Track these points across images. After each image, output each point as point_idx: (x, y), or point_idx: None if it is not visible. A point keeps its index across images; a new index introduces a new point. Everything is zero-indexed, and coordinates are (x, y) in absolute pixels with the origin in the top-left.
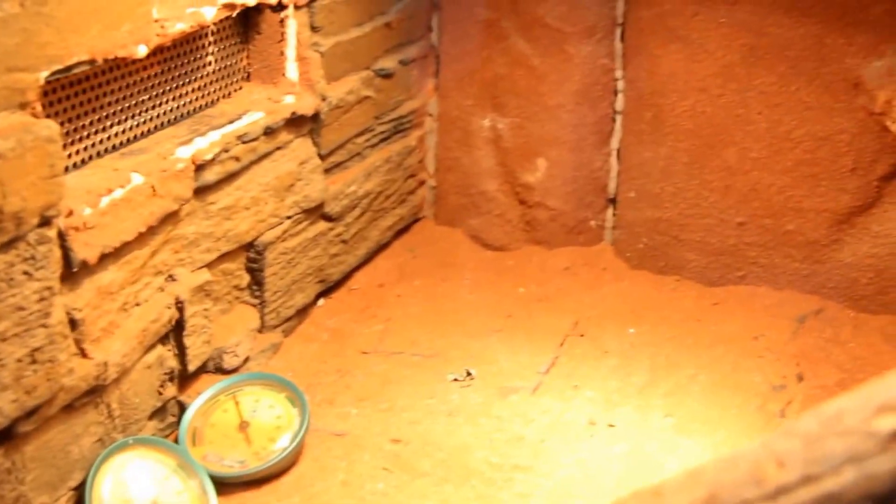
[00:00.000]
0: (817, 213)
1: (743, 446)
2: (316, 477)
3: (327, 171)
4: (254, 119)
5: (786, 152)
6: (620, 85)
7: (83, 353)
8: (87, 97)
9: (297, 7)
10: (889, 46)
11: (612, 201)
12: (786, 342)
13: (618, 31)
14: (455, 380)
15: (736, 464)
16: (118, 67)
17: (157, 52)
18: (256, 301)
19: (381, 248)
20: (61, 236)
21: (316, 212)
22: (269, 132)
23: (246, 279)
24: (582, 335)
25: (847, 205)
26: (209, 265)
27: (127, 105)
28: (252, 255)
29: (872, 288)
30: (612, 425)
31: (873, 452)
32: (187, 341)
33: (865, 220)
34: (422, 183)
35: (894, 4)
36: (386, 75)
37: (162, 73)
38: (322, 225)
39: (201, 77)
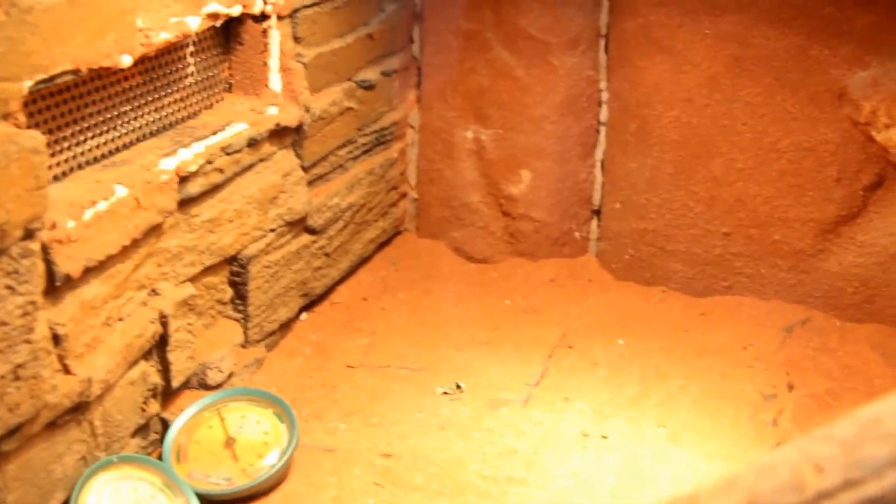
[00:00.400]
0: (803, 223)
1: (777, 452)
2: (306, 493)
3: (310, 183)
4: (238, 130)
5: (771, 163)
6: (605, 96)
7: (66, 370)
8: (69, 107)
9: (279, 17)
10: (874, 57)
11: (597, 212)
12: (774, 352)
13: (602, 43)
14: (444, 393)
15: (773, 470)
16: (100, 77)
17: (139, 62)
18: (240, 315)
19: (364, 261)
20: (45, 250)
21: (299, 224)
22: (253, 144)
23: (229, 293)
24: (570, 347)
25: (833, 214)
26: (192, 279)
27: (109, 116)
28: (235, 268)
29: (859, 297)
30: (604, 436)
31: None
32: (171, 356)
33: (851, 230)
34: (404, 195)
35: (878, 16)
36: (368, 87)
37: (144, 83)
38: (305, 238)
39: (183, 88)
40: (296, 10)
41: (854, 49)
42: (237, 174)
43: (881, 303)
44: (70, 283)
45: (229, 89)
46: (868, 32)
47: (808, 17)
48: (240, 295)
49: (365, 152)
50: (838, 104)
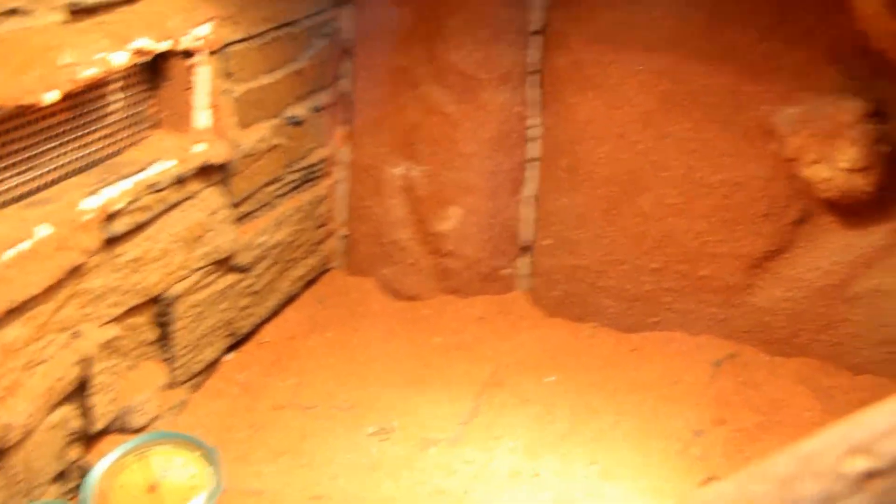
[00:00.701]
0: (732, 259)
1: (715, 489)
2: None
3: (238, 220)
4: (164, 168)
5: (701, 198)
6: (536, 132)
7: None
8: None
9: (208, 53)
10: (801, 94)
11: (528, 249)
12: (704, 387)
13: (534, 79)
14: (374, 433)
15: None
16: (24, 114)
17: (64, 98)
18: (164, 356)
19: (292, 299)
20: None
21: (226, 263)
22: (180, 181)
23: (154, 334)
24: (501, 384)
25: (761, 250)
26: (116, 320)
27: (33, 153)
28: (160, 308)
29: (786, 331)
30: (536, 474)
31: (846, 494)
32: (93, 400)
33: (778, 265)
34: (332, 233)
35: (806, 54)
36: (297, 123)
37: (69, 120)
38: (232, 276)
39: (109, 124)
40: (225, 46)
41: (782, 86)
42: (163, 212)
43: (808, 337)
44: None
45: (156, 126)
46: (796, 70)
47: (738, 55)
48: (164, 336)
49: (293, 189)
50: (767, 140)
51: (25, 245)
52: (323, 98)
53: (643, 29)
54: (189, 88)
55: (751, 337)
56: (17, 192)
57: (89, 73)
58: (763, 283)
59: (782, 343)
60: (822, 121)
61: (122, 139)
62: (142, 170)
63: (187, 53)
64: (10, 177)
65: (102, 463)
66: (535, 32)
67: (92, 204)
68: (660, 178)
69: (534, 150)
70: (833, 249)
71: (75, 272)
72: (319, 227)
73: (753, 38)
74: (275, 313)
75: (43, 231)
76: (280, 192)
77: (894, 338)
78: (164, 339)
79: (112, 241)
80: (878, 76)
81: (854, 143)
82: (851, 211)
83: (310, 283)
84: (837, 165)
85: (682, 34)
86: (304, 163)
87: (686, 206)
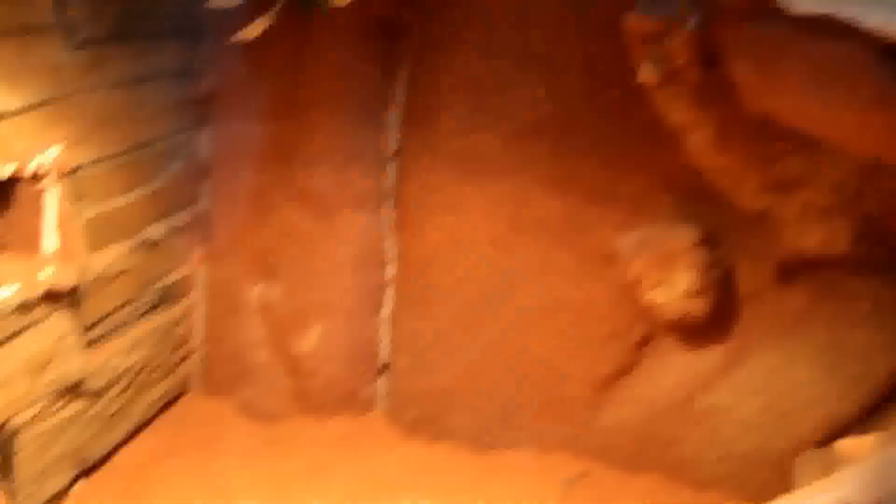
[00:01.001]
0: (581, 378)
1: None
2: None
3: (88, 345)
4: (7, 294)
5: (550, 319)
6: (392, 253)
7: None
8: None
9: (58, 175)
10: (639, 220)
11: (385, 369)
12: None
13: (389, 202)
14: None
15: None
16: None
17: None
18: (5, 489)
19: (146, 423)
20: None
21: (74, 389)
22: (24, 307)
23: None
24: None
25: (608, 369)
26: None
27: None
28: (1, 439)
29: (633, 449)
30: None
31: None
32: None
33: (624, 384)
34: (190, 354)
35: (643, 183)
36: (153, 244)
37: None
38: (81, 402)
39: None
40: (76, 168)
41: (621, 212)
42: (6, 340)
43: (654, 454)
44: None
45: (2, 249)
46: (634, 197)
47: (580, 182)
48: (5, 467)
49: (149, 311)
50: (609, 264)
51: None
52: (181, 218)
53: (491, 155)
54: (36, 212)
55: (601, 454)
56: None
57: None
58: (611, 402)
59: (630, 460)
60: (659, 246)
61: None
62: None
63: (35, 177)
64: None
65: None
66: (392, 156)
67: None
68: (511, 299)
69: (391, 270)
70: (675, 369)
71: None
72: (176, 348)
73: (594, 167)
74: (129, 438)
75: None
76: (135, 314)
77: (734, 454)
78: (4, 471)
79: None
80: (709, 204)
81: (689, 268)
82: (691, 332)
83: (166, 406)
84: (674, 290)
85: (528, 161)
86: (161, 284)
87: (537, 327)
